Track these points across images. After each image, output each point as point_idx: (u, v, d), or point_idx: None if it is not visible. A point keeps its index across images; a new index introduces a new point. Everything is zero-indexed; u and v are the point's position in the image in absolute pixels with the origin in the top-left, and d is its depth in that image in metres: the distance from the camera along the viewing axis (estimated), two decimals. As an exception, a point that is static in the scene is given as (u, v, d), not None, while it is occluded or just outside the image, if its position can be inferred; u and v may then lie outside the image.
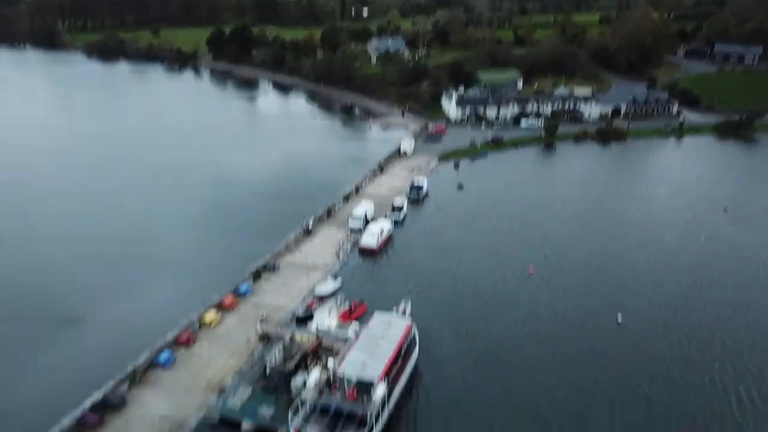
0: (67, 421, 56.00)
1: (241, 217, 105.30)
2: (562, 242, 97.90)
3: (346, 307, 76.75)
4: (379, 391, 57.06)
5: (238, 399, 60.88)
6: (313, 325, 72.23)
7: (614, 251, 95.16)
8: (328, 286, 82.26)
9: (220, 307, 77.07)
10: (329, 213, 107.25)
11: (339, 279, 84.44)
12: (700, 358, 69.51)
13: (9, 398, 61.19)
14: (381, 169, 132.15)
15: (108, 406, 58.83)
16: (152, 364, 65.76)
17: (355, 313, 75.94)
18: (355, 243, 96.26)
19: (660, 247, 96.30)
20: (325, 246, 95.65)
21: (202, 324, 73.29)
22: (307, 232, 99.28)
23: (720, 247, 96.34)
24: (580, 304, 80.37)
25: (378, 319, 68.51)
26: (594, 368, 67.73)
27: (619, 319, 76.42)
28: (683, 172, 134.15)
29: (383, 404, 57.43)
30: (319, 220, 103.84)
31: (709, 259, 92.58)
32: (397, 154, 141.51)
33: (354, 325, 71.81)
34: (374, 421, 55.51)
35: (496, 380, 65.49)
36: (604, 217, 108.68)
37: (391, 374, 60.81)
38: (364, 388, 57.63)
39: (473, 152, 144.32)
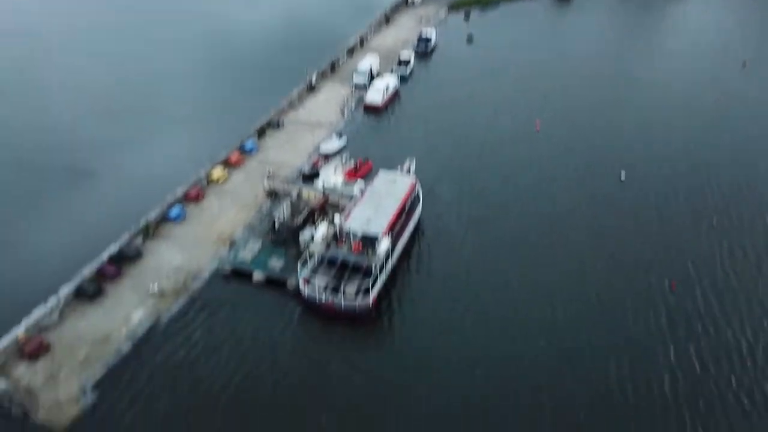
0: (86, 271, 58.91)
1: (242, 73, 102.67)
2: (571, 99, 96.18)
3: (351, 164, 77.39)
4: (383, 244, 59.23)
5: (248, 252, 63.51)
6: (319, 183, 73.38)
7: (623, 109, 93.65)
8: (333, 144, 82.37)
9: (227, 164, 77.92)
10: (333, 68, 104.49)
11: (344, 138, 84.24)
12: (698, 212, 71.18)
13: (29, 248, 63.92)
14: (387, 19, 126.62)
15: (125, 258, 61.61)
16: (164, 219, 67.88)
17: (361, 171, 76.76)
18: (360, 100, 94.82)
19: (674, 104, 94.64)
20: (329, 102, 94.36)
21: (209, 180, 74.56)
22: (311, 88, 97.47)
23: (734, 104, 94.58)
24: (585, 161, 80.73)
25: (383, 176, 69.37)
26: (596, 217, 70.23)
27: (622, 177, 77.18)
28: (702, 26, 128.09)
29: (387, 256, 59.89)
30: (322, 76, 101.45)
31: (722, 119, 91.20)
32: (404, 3, 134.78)
33: (359, 183, 72.94)
34: (378, 272, 58.21)
35: (498, 234, 67.63)
36: (617, 73, 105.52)
37: (394, 229, 62.79)
38: (369, 241, 59.78)
39: (485, 1, 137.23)
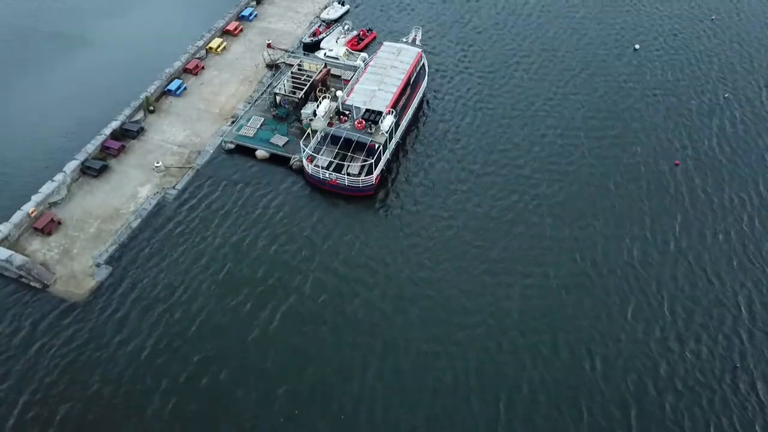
0: (91, 147, 58.85)
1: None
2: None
3: (354, 34, 74.35)
4: (387, 121, 58.40)
5: (251, 127, 62.87)
6: (320, 53, 70.97)
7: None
8: (335, 11, 78.54)
9: (225, 33, 74.98)
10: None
11: (346, 5, 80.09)
12: (706, 84, 69.49)
13: (35, 120, 63.35)
14: None
15: (128, 134, 61.30)
16: (164, 93, 66.59)
17: (364, 42, 73.93)
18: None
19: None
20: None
21: (208, 51, 72.14)
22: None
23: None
24: (598, 35, 77.42)
25: (387, 48, 66.89)
26: (610, 83, 69.90)
27: (637, 46, 74.82)
28: None
29: (391, 134, 59.28)
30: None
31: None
32: None
33: (362, 55, 70.52)
34: (382, 150, 57.93)
35: (504, 109, 66.49)
36: None
37: (399, 105, 61.57)
38: (373, 117, 58.94)
39: None
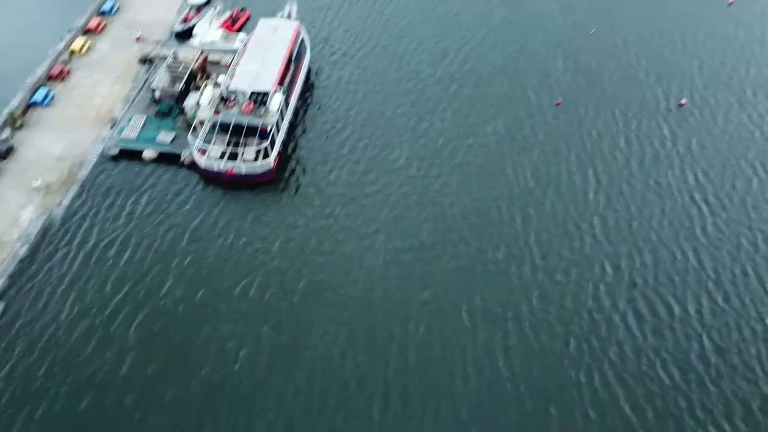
0: (-44, 176, 53.85)
1: None
2: None
3: (227, 15, 71.28)
4: (276, 100, 56.76)
5: (133, 128, 59.31)
6: (195, 40, 67.71)
7: None
8: (202, -7, 74.73)
9: (88, 32, 69.91)
10: None
11: (215, -15, 76.48)
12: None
13: None
14: None
15: (-4, 155, 56.48)
16: (30, 105, 61.55)
17: (239, 22, 71.12)
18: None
19: None
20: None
21: (72, 53, 67.09)
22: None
23: None
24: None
25: (264, 25, 64.58)
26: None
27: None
28: None
29: (282, 113, 57.68)
30: None
31: None
32: None
33: (240, 35, 67.90)
34: (276, 131, 56.35)
35: (393, 72, 66.19)
36: None
37: (285, 81, 59.87)
38: (260, 98, 57.00)
39: None
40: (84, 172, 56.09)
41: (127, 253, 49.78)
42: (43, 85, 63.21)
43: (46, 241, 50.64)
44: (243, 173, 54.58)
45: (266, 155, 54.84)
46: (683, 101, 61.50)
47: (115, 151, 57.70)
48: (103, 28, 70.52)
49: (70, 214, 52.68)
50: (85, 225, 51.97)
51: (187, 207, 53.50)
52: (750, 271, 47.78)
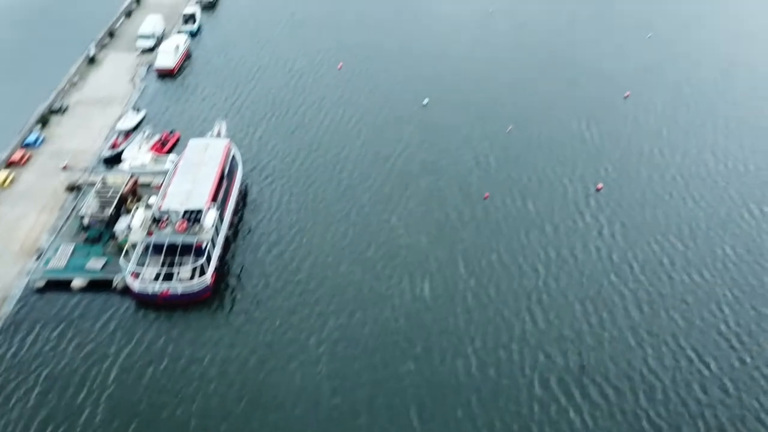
0: None
1: (3, 56, 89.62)
2: (373, 31, 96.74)
3: (156, 138, 71.87)
4: (210, 216, 56.28)
5: (61, 257, 57.16)
6: (125, 165, 67.51)
7: (424, 38, 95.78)
8: (131, 119, 75.30)
9: (11, 165, 68.66)
10: (111, 34, 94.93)
11: (143, 110, 77.47)
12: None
13: None
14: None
15: None
16: (-53, 243, 58.80)
17: (169, 144, 71.71)
18: (150, 65, 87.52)
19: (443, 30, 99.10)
20: (116, 74, 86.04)
21: (-6, 187, 65.46)
22: (91, 61, 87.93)
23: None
24: (388, 91, 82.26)
25: (194, 144, 65.29)
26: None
27: (425, 102, 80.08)
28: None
29: (217, 229, 57.17)
30: (101, 45, 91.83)
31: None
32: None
33: (170, 157, 68.26)
34: (211, 247, 55.53)
35: (321, 181, 67.46)
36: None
37: (218, 197, 59.85)
38: (194, 216, 56.48)
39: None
40: (7, 308, 52.91)
41: (53, 393, 46.15)
42: (-37, 221, 60.81)
43: (-35, 387, 46.61)
44: (179, 293, 52.87)
45: (203, 272, 53.62)
46: (600, 185, 65.37)
47: (41, 284, 55.09)
48: (27, 160, 69.48)
49: (-10, 354, 49.04)
50: (2, 368, 48.21)
51: (118, 334, 50.64)
52: (691, 352, 49.07)
